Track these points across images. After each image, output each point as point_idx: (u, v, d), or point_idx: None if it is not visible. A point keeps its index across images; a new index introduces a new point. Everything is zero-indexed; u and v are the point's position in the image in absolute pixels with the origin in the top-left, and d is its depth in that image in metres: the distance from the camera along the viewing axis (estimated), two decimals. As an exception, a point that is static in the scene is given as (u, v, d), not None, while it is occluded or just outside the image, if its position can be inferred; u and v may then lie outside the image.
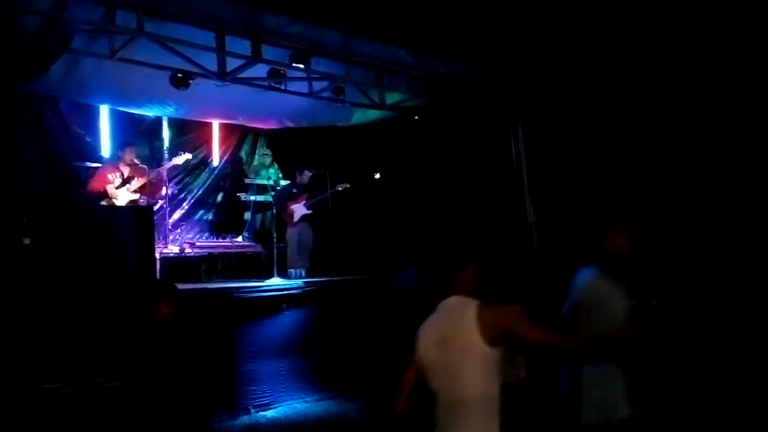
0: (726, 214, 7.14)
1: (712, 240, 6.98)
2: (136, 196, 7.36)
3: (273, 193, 8.80)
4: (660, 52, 7.79)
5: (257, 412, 5.99)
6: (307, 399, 6.37)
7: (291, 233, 8.45)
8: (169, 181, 8.37)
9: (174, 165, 7.95)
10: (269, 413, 6.01)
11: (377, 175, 10.19)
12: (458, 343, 2.34)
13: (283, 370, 6.44)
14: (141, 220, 5.62)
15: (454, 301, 2.46)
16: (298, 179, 8.69)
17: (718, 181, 7.37)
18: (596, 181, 8.33)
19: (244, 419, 5.80)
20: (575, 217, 8.25)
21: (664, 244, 7.26)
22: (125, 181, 7.30)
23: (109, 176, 7.28)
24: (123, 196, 7.25)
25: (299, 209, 8.47)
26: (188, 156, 8.10)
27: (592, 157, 8.41)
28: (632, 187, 8.02)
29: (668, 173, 7.84)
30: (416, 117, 9.06)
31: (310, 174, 8.69)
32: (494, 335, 2.31)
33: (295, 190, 8.60)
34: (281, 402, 6.25)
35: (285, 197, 8.56)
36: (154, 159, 8.42)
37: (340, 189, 8.68)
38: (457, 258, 2.56)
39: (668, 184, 7.80)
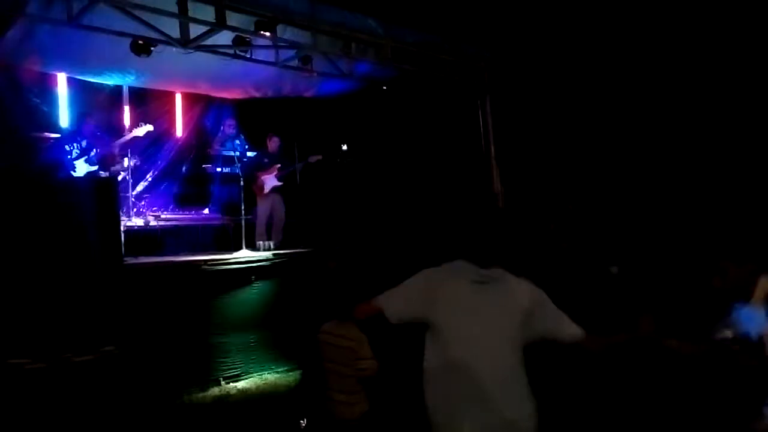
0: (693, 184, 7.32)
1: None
2: (95, 167, 7.16)
3: (240, 165, 8.66)
4: (627, 22, 7.87)
5: (228, 383, 6.00)
6: (277, 370, 6.39)
7: (262, 205, 8.33)
8: (131, 152, 8.17)
9: (135, 137, 7.74)
10: (240, 384, 6.03)
11: (345, 147, 10.11)
12: None
13: (253, 342, 6.44)
14: (105, 192, 5.47)
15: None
16: (269, 147, 8.54)
17: (687, 153, 7.53)
18: (563, 151, 8.44)
19: (215, 391, 5.81)
20: (541, 186, 8.38)
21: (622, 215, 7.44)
22: (83, 152, 7.10)
23: (67, 147, 7.05)
24: (81, 168, 7.05)
25: (270, 180, 8.33)
26: (149, 127, 7.87)
27: (559, 127, 8.51)
28: (599, 157, 8.15)
29: (635, 141, 7.98)
30: (384, 87, 9.01)
31: (280, 142, 8.56)
32: None
33: (266, 160, 8.44)
34: (252, 373, 6.27)
35: (255, 167, 8.39)
36: (113, 129, 8.18)
37: (312, 161, 8.58)
38: None
39: (635, 153, 7.95)
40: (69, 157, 7.00)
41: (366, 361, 3.23)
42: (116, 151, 7.54)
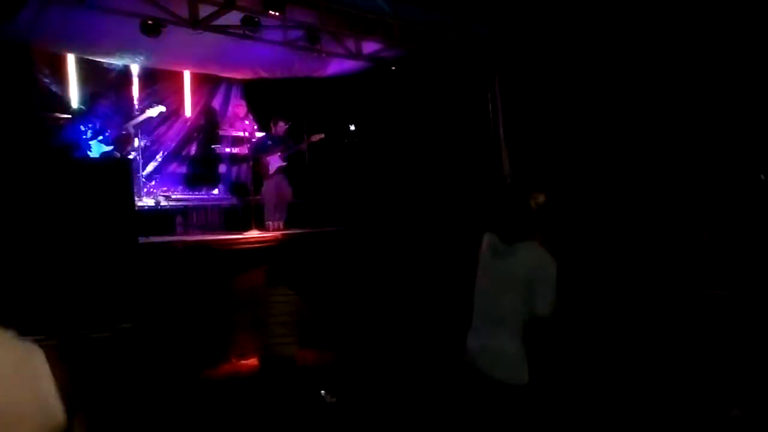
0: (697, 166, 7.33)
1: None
2: (110, 148, 7.23)
3: (249, 145, 8.71)
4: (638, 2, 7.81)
5: (238, 360, 6.10)
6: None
7: (267, 186, 8.38)
8: (141, 133, 8.22)
9: (148, 117, 7.79)
10: (249, 362, 6.12)
11: (352, 127, 10.12)
12: None
13: (262, 321, 6.51)
14: (120, 172, 5.52)
15: None
16: (273, 131, 8.56)
17: (696, 134, 7.53)
18: (573, 133, 8.43)
19: (226, 368, 5.91)
20: (551, 169, 8.37)
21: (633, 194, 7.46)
22: (97, 133, 7.16)
23: (82, 128, 7.10)
24: (96, 148, 7.12)
25: (274, 161, 8.39)
26: (162, 108, 7.92)
27: (569, 109, 8.47)
28: (608, 138, 8.14)
29: (644, 123, 7.96)
30: (393, 68, 8.99)
31: (286, 126, 8.57)
32: None
33: (270, 142, 8.49)
34: (260, 350, 6.34)
35: (260, 149, 8.45)
36: (122, 109, 8.22)
37: (314, 140, 8.61)
38: None
39: (645, 134, 7.93)
40: (84, 137, 7.04)
41: (304, 311, 4.63)
42: (131, 131, 7.60)
